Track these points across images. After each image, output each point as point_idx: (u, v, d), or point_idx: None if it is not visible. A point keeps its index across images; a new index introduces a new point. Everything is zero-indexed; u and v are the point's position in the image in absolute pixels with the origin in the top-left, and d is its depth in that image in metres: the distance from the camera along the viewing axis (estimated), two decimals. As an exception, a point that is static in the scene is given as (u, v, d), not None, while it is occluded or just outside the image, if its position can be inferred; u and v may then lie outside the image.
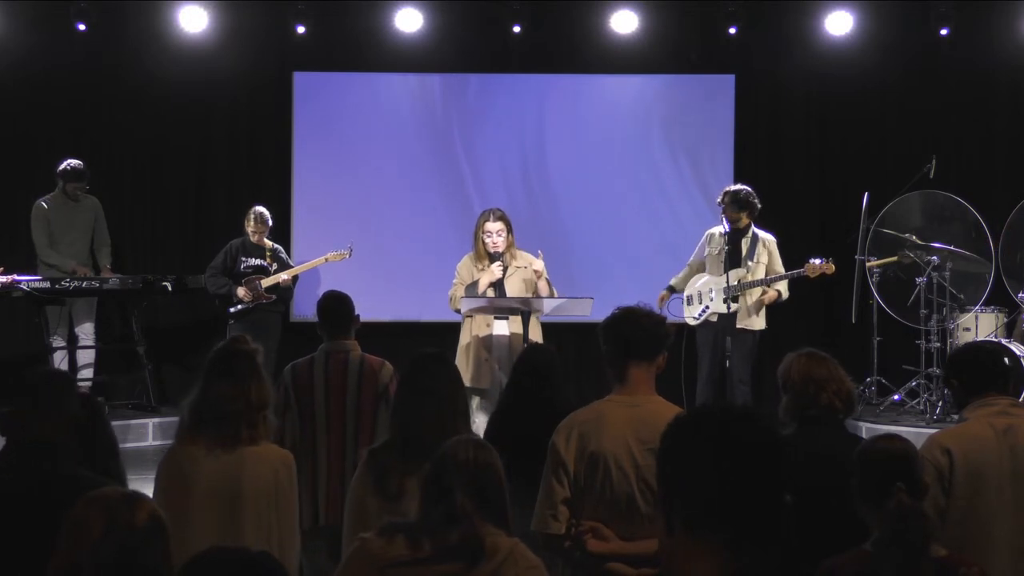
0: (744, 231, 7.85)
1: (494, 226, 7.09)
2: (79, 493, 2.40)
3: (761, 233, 7.94)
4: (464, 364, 6.90)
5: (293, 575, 3.56)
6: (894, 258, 8.90)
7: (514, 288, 7.06)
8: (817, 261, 7.79)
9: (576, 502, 3.47)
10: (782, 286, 7.83)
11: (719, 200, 7.89)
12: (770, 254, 7.90)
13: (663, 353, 3.59)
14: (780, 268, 7.90)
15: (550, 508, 3.47)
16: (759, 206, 7.87)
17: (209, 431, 3.49)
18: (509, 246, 7.13)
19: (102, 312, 9.11)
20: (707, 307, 7.86)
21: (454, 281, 7.18)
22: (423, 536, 2.73)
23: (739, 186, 7.98)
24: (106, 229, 9.11)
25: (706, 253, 7.97)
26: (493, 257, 7.06)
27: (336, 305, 4.96)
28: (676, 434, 1.86)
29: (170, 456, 3.58)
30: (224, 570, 2.00)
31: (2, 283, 8.18)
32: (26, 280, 8.26)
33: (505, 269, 7.06)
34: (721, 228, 7.84)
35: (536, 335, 6.87)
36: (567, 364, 8.09)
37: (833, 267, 7.83)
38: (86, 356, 8.96)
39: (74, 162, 8.83)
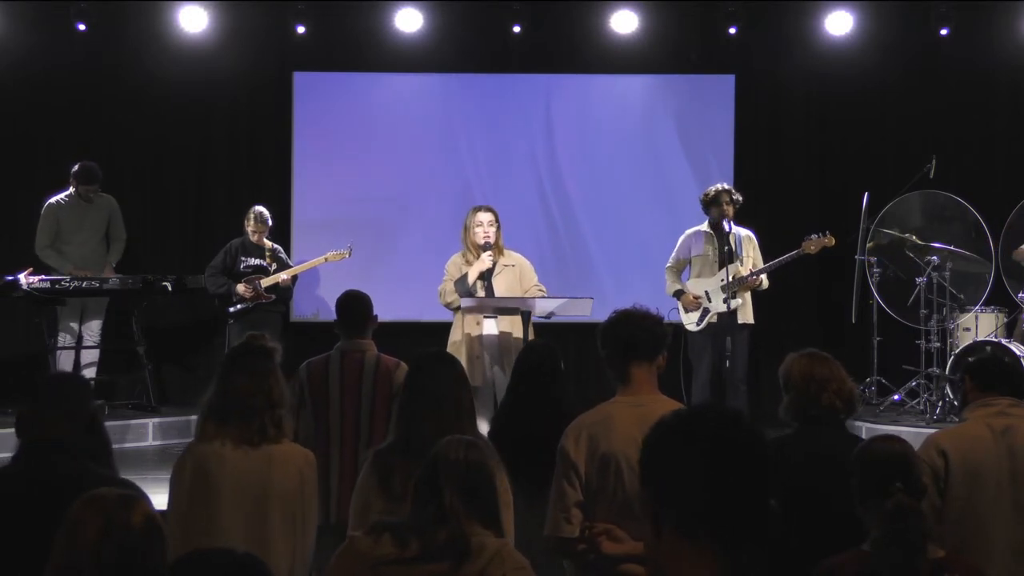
0: (730, 228, 7.89)
1: (485, 216, 7.13)
2: (85, 490, 2.40)
3: (742, 230, 7.99)
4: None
5: (305, 571, 3.56)
6: (872, 243, 8.93)
7: (502, 286, 7.07)
8: (814, 236, 7.83)
9: (588, 505, 3.47)
10: (764, 275, 7.87)
11: (709, 198, 7.89)
12: (754, 249, 8.00)
13: (663, 353, 3.60)
14: (762, 262, 7.95)
15: (563, 511, 3.46)
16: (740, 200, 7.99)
17: (233, 427, 3.45)
18: (497, 241, 7.16)
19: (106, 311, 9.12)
20: (707, 310, 7.86)
21: (444, 279, 7.19)
22: (411, 535, 2.73)
23: (726, 184, 8.07)
24: (121, 227, 9.07)
25: (695, 254, 7.98)
26: (485, 248, 7.08)
27: (353, 304, 4.95)
28: (662, 437, 1.83)
29: (191, 454, 3.51)
30: (210, 571, 2.00)
31: (30, 283, 8.20)
32: (27, 279, 8.27)
33: (494, 264, 7.08)
34: (704, 228, 7.92)
35: (528, 334, 6.88)
36: (567, 364, 8.07)
37: (833, 240, 7.86)
38: (90, 355, 8.97)
39: (86, 164, 8.82)
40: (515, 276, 7.13)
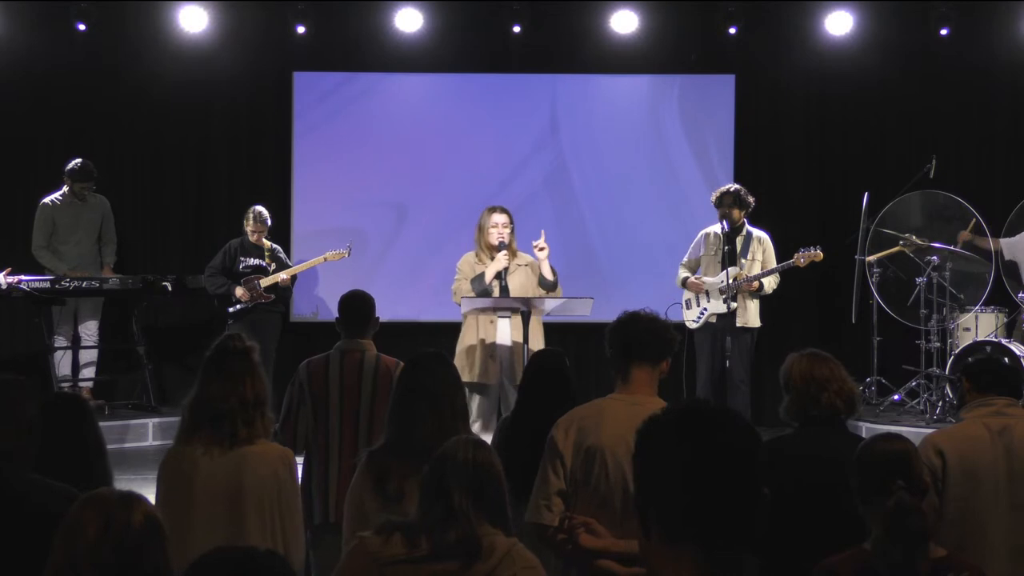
0: (739, 229, 7.87)
1: (500, 218, 7.15)
2: (24, 499, 2.38)
3: (755, 231, 7.96)
4: (466, 362, 6.91)
5: (299, 572, 3.56)
6: (896, 248, 8.89)
7: (516, 284, 7.08)
8: (808, 251, 7.81)
9: (570, 495, 3.48)
10: (766, 279, 7.83)
11: (715, 200, 7.89)
12: (765, 251, 7.94)
13: (667, 358, 3.60)
14: (774, 263, 7.92)
15: (544, 499, 3.48)
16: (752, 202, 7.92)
17: (205, 431, 3.49)
18: (511, 243, 7.16)
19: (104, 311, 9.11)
20: (705, 308, 7.86)
21: (456, 277, 7.19)
22: (420, 535, 2.74)
23: (735, 185, 8.02)
24: (113, 228, 9.11)
25: (702, 253, 7.97)
26: (499, 248, 7.09)
27: (357, 304, 4.94)
28: (652, 436, 1.80)
29: (169, 457, 3.57)
30: (231, 570, 1.99)
31: (9, 283, 8.18)
32: (27, 280, 8.26)
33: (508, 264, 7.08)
34: (717, 228, 7.87)
35: (538, 335, 6.88)
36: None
37: (821, 254, 7.82)
38: (89, 355, 8.97)
39: (81, 161, 8.82)
40: (528, 274, 7.15)
